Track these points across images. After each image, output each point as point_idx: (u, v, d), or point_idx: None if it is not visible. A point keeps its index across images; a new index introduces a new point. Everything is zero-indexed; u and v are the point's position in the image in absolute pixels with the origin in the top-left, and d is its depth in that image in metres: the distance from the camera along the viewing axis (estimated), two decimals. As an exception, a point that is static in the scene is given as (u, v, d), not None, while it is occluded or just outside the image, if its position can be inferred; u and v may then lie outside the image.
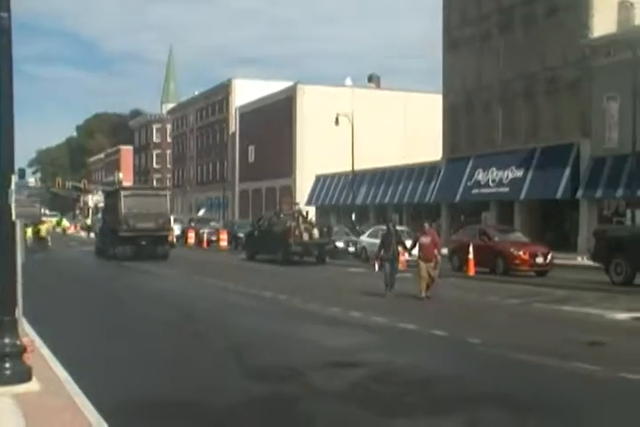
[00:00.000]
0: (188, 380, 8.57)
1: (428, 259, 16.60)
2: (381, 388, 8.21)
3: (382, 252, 17.41)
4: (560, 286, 19.73)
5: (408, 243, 18.53)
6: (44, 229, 39.01)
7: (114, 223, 31.63)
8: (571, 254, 29.49)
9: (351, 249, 32.25)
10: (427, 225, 17.70)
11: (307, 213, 34.25)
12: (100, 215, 39.43)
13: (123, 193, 32.13)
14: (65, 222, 71.83)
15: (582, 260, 27.56)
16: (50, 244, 39.08)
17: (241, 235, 37.88)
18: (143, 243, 31.02)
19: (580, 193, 32.86)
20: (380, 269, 17.92)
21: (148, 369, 9.18)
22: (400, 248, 17.77)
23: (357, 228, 39.44)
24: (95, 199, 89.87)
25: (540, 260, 23.07)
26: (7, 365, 7.24)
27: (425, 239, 16.93)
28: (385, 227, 19.09)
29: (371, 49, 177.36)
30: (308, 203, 54.27)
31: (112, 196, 34.86)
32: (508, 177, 37.07)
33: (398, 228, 34.00)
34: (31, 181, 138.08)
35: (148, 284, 21.77)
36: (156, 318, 13.89)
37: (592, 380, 8.56)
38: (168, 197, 33.66)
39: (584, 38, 33.21)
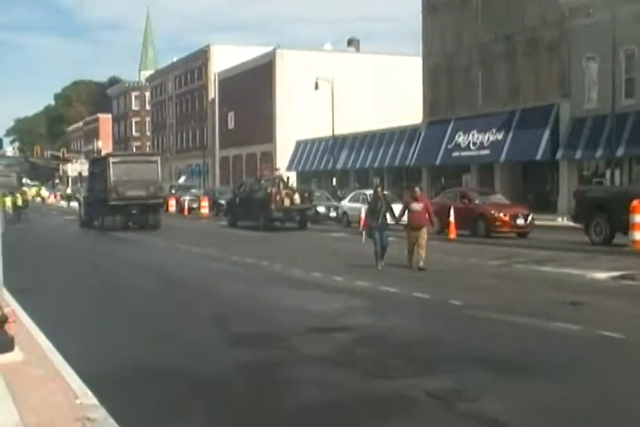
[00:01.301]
0: (173, 348, 8.58)
1: (419, 227, 15.41)
2: (365, 351, 8.27)
3: (370, 219, 15.87)
4: (541, 247, 19.92)
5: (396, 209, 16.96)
6: (21, 198, 38.62)
7: (102, 192, 30.11)
8: (551, 215, 29.75)
9: (332, 214, 32.30)
10: (417, 189, 16.29)
11: (287, 178, 34.20)
12: (84, 184, 37.45)
13: (111, 160, 30.42)
14: (44, 191, 71.17)
15: (563, 221, 27.81)
16: (23, 214, 38.43)
17: (222, 202, 37.77)
18: (134, 212, 29.74)
19: (559, 154, 32.99)
20: (368, 238, 15.97)
21: (131, 338, 9.18)
22: (389, 216, 15.89)
23: (338, 193, 39.46)
24: (75, 168, 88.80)
25: (520, 221, 23.23)
26: (-11, 335, 7.22)
27: (416, 205, 15.61)
28: (372, 192, 17.13)
29: (350, 12, 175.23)
30: (289, 168, 54.12)
31: (99, 163, 32.85)
32: (488, 139, 37.09)
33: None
34: (9, 150, 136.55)
35: (130, 252, 21.69)
36: (139, 287, 13.88)
37: (574, 339, 8.68)
38: (159, 162, 31.56)
39: (563, -2, 32.98)
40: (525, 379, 6.97)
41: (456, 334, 9.21)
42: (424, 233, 15.55)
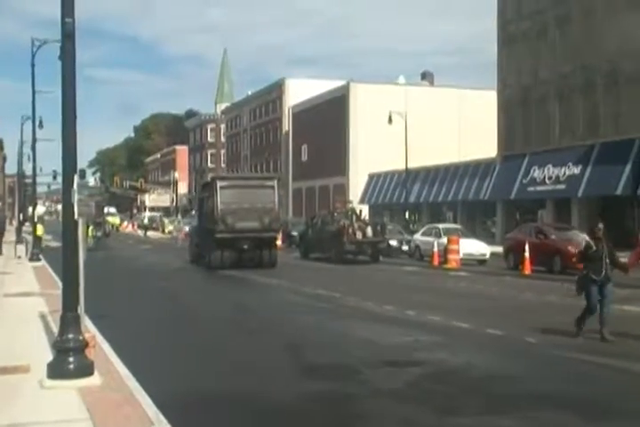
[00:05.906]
0: (245, 376, 8.65)
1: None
2: (438, 387, 8.15)
3: (590, 269, 11.42)
4: (622, 285, 19.16)
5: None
6: (101, 227, 39.51)
7: (209, 222, 25.73)
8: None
9: (405, 248, 32.15)
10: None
11: (360, 211, 34.23)
12: (193, 212, 33.89)
13: (219, 183, 25.28)
14: (117, 220, 72.79)
15: (644, 258, 26.82)
16: (102, 242, 39.06)
17: (295, 233, 38.08)
18: (245, 247, 25.22)
19: (641, 190, 32.04)
20: (580, 293, 11.63)
21: (205, 366, 9.30)
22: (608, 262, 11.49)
23: (411, 226, 39.27)
24: (152, 198, 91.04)
25: (599, 258, 22.50)
26: (71, 359, 7.46)
27: None
28: (588, 234, 12.16)
29: (423, 46, 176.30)
30: (362, 201, 54.22)
31: (207, 188, 27.74)
32: (564, 174, 36.39)
33: (452, 226, 33.75)
34: (91, 180, 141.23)
35: (203, 282, 22.04)
36: (213, 316, 14.07)
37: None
38: (276, 187, 26.59)
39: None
40: (607, 422, 6.73)
41: (531, 372, 8.98)
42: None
